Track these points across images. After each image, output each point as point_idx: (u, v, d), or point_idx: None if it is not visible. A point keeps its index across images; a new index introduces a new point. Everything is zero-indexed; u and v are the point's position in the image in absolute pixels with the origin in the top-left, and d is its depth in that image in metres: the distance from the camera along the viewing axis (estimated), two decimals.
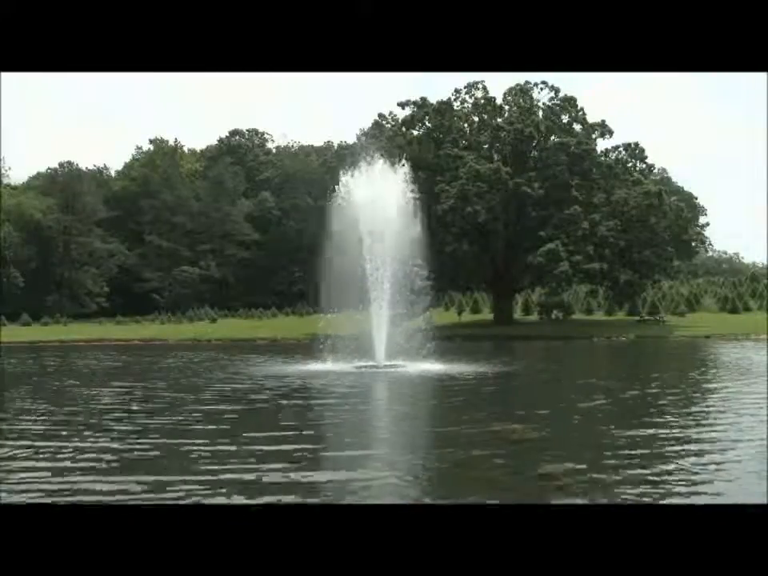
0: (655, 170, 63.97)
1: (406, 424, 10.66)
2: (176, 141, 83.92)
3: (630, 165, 51.98)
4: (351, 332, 20.80)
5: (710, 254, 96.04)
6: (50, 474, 7.00)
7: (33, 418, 11.04)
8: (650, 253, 46.91)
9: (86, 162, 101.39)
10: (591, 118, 51.07)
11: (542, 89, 51.55)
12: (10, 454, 7.94)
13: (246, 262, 76.20)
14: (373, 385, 16.29)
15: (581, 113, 50.89)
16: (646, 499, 5.83)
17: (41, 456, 7.89)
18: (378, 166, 21.73)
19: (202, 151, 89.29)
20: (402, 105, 50.85)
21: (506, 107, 52.00)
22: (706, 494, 5.99)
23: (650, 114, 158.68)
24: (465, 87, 52.21)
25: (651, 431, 9.15)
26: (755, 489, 6.03)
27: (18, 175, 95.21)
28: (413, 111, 50.24)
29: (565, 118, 50.94)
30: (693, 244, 55.44)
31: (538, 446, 8.34)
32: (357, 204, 20.59)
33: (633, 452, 7.78)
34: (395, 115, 53.36)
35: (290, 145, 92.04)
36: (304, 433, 9.33)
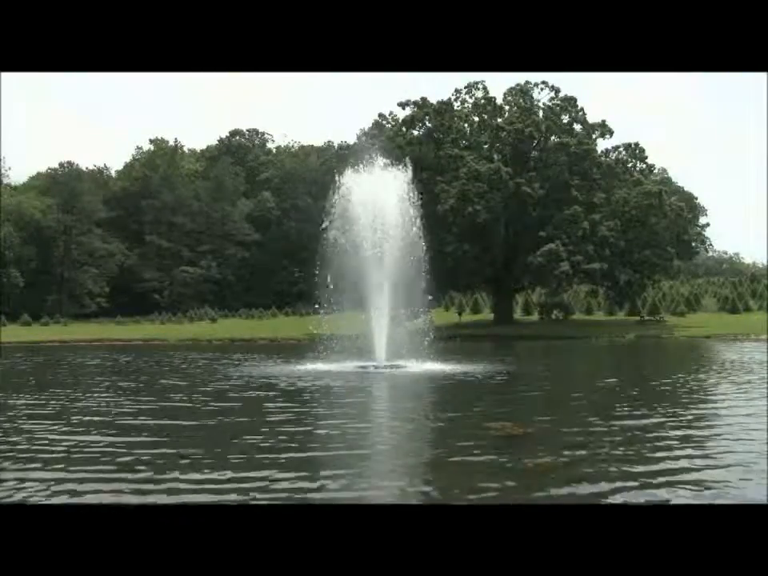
0: (655, 170, 64.01)
1: (403, 422, 10.64)
2: (176, 141, 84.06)
3: (630, 165, 52.06)
4: (351, 332, 20.79)
5: (710, 254, 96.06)
6: None
7: None
8: (650, 253, 46.97)
9: (86, 162, 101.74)
10: (591, 118, 51.17)
11: (542, 89, 51.64)
12: None
13: (246, 262, 76.24)
14: (372, 385, 16.28)
15: (581, 113, 50.94)
16: (644, 498, 5.83)
17: None
18: (378, 166, 21.72)
19: (202, 151, 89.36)
20: (402, 105, 50.91)
21: (506, 107, 52.06)
22: (705, 493, 5.98)
23: (650, 114, 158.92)
24: (465, 87, 52.30)
25: (650, 430, 9.15)
26: (755, 489, 6.03)
27: (17, 175, 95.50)
28: (413, 111, 50.28)
29: (565, 118, 50.98)
30: (693, 244, 55.56)
31: (531, 442, 8.36)
32: (357, 204, 20.58)
33: (630, 450, 7.79)
34: (395, 115, 53.48)
35: (290, 145, 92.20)
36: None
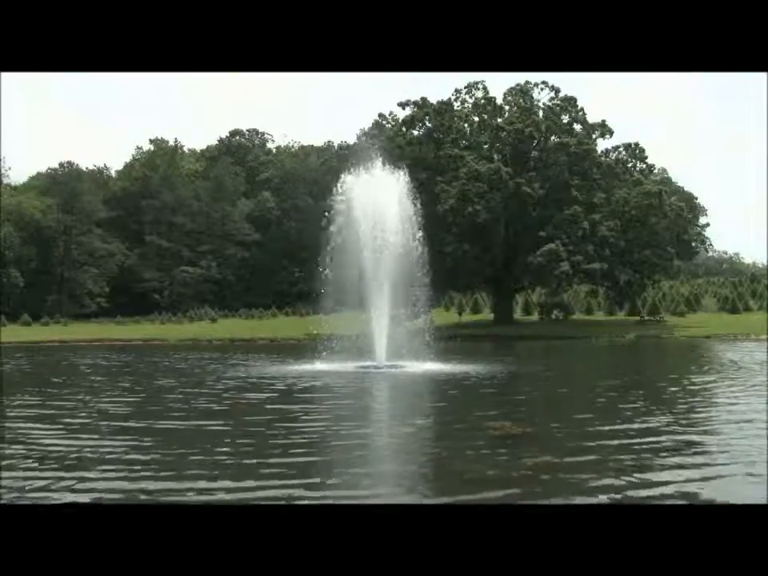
0: (655, 170, 63.98)
1: (402, 422, 10.64)
2: (176, 141, 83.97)
3: (630, 165, 52.04)
4: (351, 332, 20.78)
5: (710, 254, 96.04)
6: None
7: None
8: (650, 253, 46.96)
9: (86, 162, 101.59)
10: (591, 118, 51.16)
11: (542, 89, 51.63)
12: None
13: (246, 262, 76.20)
14: (372, 385, 16.28)
15: (581, 113, 50.93)
16: (645, 498, 5.83)
17: None
18: (378, 166, 21.73)
19: (201, 151, 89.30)
20: (402, 105, 50.90)
21: (506, 107, 52.05)
22: (706, 494, 5.98)
23: (650, 114, 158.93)
24: (465, 87, 52.28)
25: (648, 431, 9.14)
26: (755, 489, 6.03)
27: (17, 175, 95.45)
28: (413, 111, 50.27)
29: (565, 118, 50.98)
30: (693, 244, 55.55)
31: (531, 442, 8.36)
32: (357, 204, 20.58)
33: (629, 449, 7.78)
34: (395, 115, 53.48)
35: (290, 145, 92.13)
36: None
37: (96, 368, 22.33)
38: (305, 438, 8.90)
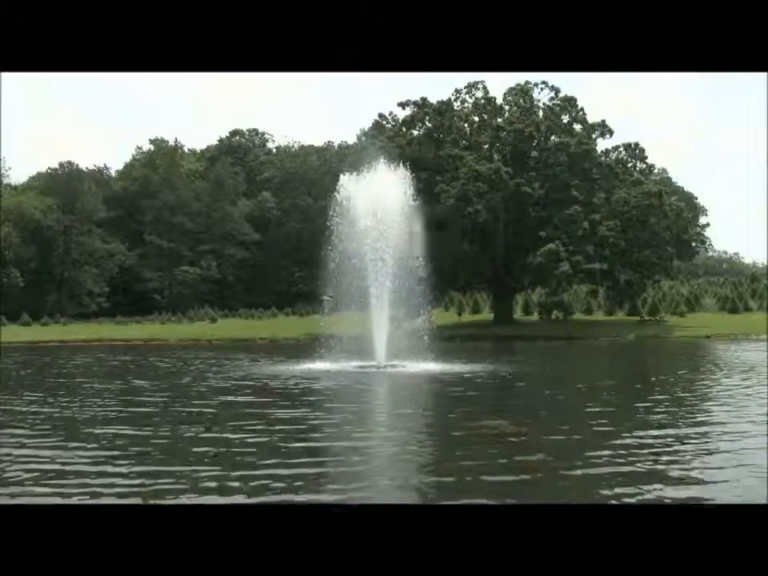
0: (655, 170, 64.01)
1: (400, 422, 10.64)
2: (176, 141, 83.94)
3: (630, 165, 52.06)
4: (352, 332, 20.79)
5: (710, 254, 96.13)
6: None
7: None
8: (650, 253, 46.96)
9: (86, 162, 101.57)
10: (591, 118, 51.17)
11: (542, 89, 51.64)
12: None
13: (246, 262, 76.23)
14: (372, 385, 16.29)
15: (581, 113, 50.94)
16: (645, 498, 5.82)
17: None
18: (379, 166, 21.74)
19: (202, 151, 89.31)
20: (402, 105, 50.93)
21: (506, 107, 52.07)
22: (705, 493, 5.98)
23: (650, 114, 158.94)
24: (465, 87, 52.29)
25: (647, 430, 9.14)
26: (755, 489, 6.03)
27: (17, 175, 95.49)
28: (413, 111, 50.30)
29: (565, 118, 50.99)
30: (693, 244, 55.66)
31: (528, 442, 8.35)
32: (357, 204, 20.59)
33: (627, 452, 7.78)
34: (395, 115, 53.49)
35: (290, 145, 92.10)
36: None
37: (77, 369, 22.16)
38: (302, 438, 8.88)
